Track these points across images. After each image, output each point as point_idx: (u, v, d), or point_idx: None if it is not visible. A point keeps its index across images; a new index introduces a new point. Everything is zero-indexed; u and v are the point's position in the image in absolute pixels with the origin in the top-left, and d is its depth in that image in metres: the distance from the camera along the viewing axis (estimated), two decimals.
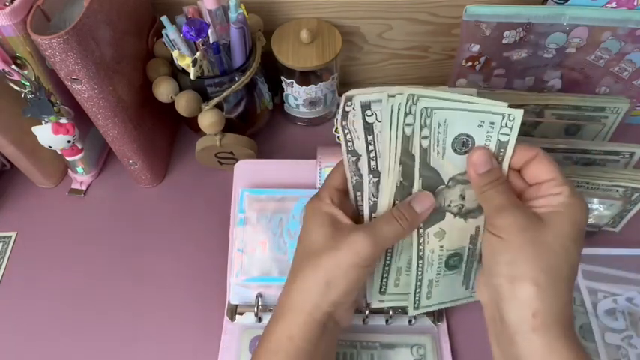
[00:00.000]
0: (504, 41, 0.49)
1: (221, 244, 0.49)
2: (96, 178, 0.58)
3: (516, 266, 0.32)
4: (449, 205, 0.36)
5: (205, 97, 0.50)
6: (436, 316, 0.46)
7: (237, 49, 0.50)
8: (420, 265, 0.37)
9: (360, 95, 0.34)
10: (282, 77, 0.56)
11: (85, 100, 0.44)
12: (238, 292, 0.46)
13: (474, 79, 0.54)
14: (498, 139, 0.35)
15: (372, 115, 0.34)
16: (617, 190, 0.46)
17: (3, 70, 0.42)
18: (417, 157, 0.34)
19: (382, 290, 0.39)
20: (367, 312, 0.44)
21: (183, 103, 0.49)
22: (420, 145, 0.34)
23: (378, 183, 0.36)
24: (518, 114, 0.34)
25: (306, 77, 0.55)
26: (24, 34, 0.40)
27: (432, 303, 0.39)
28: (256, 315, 0.45)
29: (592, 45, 0.49)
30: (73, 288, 0.50)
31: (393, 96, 0.33)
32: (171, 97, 0.50)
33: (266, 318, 0.45)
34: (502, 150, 0.35)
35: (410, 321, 0.45)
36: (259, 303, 0.45)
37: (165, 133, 0.59)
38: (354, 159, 0.36)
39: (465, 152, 0.35)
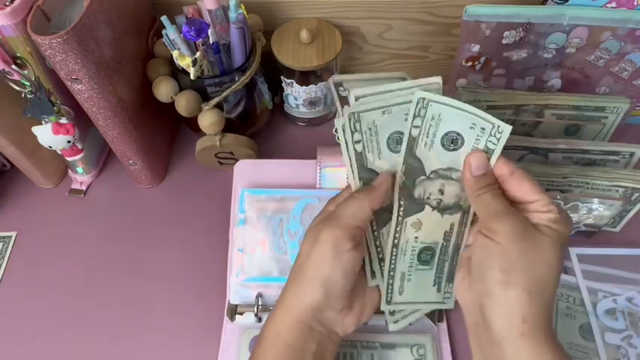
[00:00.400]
0: (504, 41, 0.49)
1: (221, 244, 0.49)
2: (96, 178, 0.58)
3: (512, 273, 0.32)
4: (428, 198, 0.38)
5: (205, 97, 0.50)
6: (436, 316, 0.46)
7: (237, 49, 0.50)
8: (394, 254, 0.38)
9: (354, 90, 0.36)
10: (282, 77, 0.56)
11: (85, 100, 0.44)
12: (238, 292, 0.46)
13: (474, 79, 0.54)
14: (486, 145, 0.35)
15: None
16: (617, 190, 0.46)
17: (3, 70, 0.42)
18: (405, 141, 0.36)
19: (388, 299, 0.40)
20: (367, 321, 0.44)
21: (183, 103, 0.49)
22: (410, 133, 0.36)
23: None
24: (507, 129, 0.34)
25: (306, 77, 0.55)
26: (24, 34, 0.40)
27: (404, 300, 0.40)
28: (256, 315, 0.45)
29: (592, 45, 0.49)
30: (73, 288, 0.50)
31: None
32: (171, 97, 0.50)
33: (266, 318, 0.45)
34: (488, 155, 0.36)
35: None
36: (259, 303, 0.45)
37: (165, 133, 0.59)
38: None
39: (453, 149, 0.36)
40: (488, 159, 0.35)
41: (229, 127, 0.52)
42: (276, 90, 0.59)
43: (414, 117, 0.35)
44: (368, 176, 0.38)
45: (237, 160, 0.53)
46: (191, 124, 0.54)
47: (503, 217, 0.33)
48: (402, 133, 0.37)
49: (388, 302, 0.40)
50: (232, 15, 0.47)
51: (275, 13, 0.56)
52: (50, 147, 0.50)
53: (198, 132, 0.53)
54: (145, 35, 0.53)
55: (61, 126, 0.48)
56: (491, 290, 0.33)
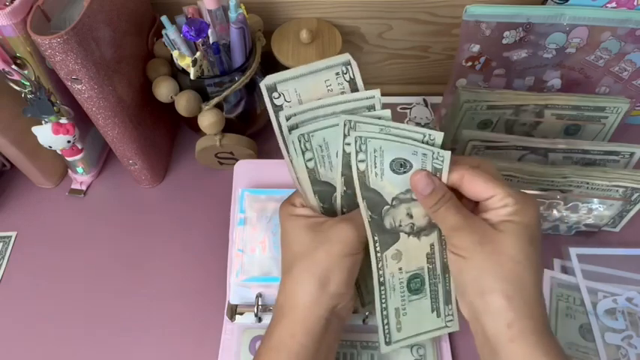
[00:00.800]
0: (504, 41, 0.49)
1: (221, 244, 0.49)
2: (96, 178, 0.58)
3: (482, 281, 0.32)
4: (400, 225, 0.37)
5: (205, 97, 0.50)
6: None
7: (237, 49, 0.50)
8: (382, 292, 0.37)
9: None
10: None
11: (85, 100, 0.44)
12: (238, 292, 0.46)
13: (473, 79, 0.54)
14: (433, 166, 0.35)
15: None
16: (617, 190, 0.46)
17: (3, 70, 0.42)
18: (356, 178, 0.35)
19: (387, 341, 0.38)
20: (367, 312, 0.44)
21: (184, 103, 0.49)
22: (357, 168, 0.35)
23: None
24: (447, 155, 0.34)
25: None
26: (24, 34, 0.40)
27: (405, 336, 0.38)
28: (256, 315, 0.45)
29: (592, 45, 0.49)
30: (72, 288, 0.50)
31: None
32: (171, 97, 0.50)
33: (266, 318, 0.45)
34: (438, 174, 0.35)
35: None
36: (259, 303, 0.45)
37: (165, 133, 0.59)
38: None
39: (404, 172, 0.35)
40: (436, 174, 0.35)
41: (229, 127, 0.52)
42: None
43: (357, 153, 0.35)
44: (322, 189, 0.37)
45: (237, 160, 0.53)
46: (191, 124, 0.54)
47: (460, 230, 0.33)
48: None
49: (388, 343, 0.38)
50: (232, 15, 0.47)
51: (275, 13, 0.56)
52: (50, 147, 0.50)
53: (198, 132, 0.53)
54: (145, 35, 0.53)
55: (61, 126, 0.48)
56: (473, 302, 0.33)
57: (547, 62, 0.52)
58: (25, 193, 0.57)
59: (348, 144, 0.35)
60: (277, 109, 0.36)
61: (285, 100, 0.36)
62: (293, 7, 0.56)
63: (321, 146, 0.36)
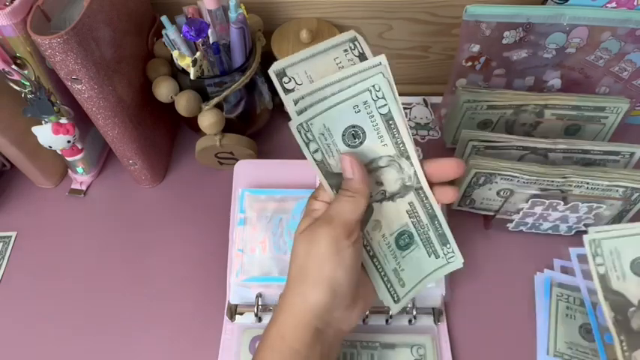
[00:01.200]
0: (504, 41, 0.49)
1: (221, 244, 0.49)
2: (96, 178, 0.58)
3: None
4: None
5: (205, 97, 0.50)
6: (436, 315, 0.46)
7: (237, 49, 0.50)
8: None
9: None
10: None
11: (85, 100, 0.44)
12: (238, 292, 0.46)
13: (474, 79, 0.54)
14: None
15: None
16: (617, 190, 0.46)
17: (3, 70, 0.42)
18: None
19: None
20: (367, 312, 0.44)
21: (184, 103, 0.49)
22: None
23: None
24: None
25: None
26: (24, 34, 0.40)
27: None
28: (256, 315, 0.45)
29: (592, 45, 0.49)
30: (72, 288, 0.50)
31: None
32: (171, 97, 0.50)
33: (266, 318, 0.45)
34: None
35: (410, 321, 0.45)
36: (259, 303, 0.45)
37: (165, 133, 0.59)
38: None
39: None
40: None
41: (229, 127, 0.52)
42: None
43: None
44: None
45: (237, 160, 0.53)
46: (191, 124, 0.54)
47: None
48: (355, 127, 0.35)
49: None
50: (232, 15, 0.47)
51: (275, 13, 0.56)
52: (50, 147, 0.50)
53: (198, 132, 0.53)
54: (145, 35, 0.53)
55: (61, 126, 0.48)
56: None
57: (547, 62, 0.52)
58: (25, 193, 0.57)
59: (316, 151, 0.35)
60: (289, 92, 0.35)
61: (297, 83, 0.35)
62: (293, 7, 0.56)
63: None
